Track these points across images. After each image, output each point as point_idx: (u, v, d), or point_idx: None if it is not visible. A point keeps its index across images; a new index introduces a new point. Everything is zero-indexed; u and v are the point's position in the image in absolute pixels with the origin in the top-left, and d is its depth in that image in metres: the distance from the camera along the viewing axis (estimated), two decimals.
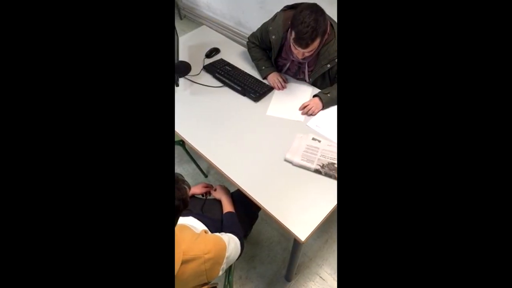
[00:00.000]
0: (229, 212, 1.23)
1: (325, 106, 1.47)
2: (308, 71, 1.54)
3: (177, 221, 0.84)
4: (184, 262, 0.82)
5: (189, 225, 1.05)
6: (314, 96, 1.49)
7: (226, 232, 1.08)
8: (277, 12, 1.51)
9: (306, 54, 1.38)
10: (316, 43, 1.31)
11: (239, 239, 1.08)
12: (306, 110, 1.46)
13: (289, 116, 1.46)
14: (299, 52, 1.37)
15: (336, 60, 1.43)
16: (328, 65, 1.45)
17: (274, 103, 1.51)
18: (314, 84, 1.58)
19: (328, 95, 1.47)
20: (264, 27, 1.57)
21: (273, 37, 1.51)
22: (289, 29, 1.36)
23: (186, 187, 0.84)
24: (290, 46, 1.43)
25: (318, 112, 1.47)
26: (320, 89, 1.56)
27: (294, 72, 1.60)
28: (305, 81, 1.60)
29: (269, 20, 1.55)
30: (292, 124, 1.42)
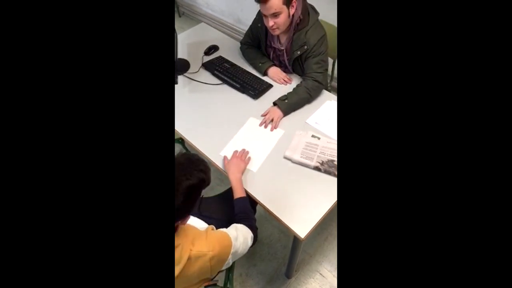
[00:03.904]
0: (241, 198, 1.14)
1: (285, 113, 1.42)
2: (287, 59, 1.56)
3: (200, 196, 0.84)
4: (189, 258, 0.82)
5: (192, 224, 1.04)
6: (274, 104, 1.44)
7: (239, 222, 1.04)
8: None
9: (273, 23, 1.34)
10: (276, 2, 1.28)
11: (252, 229, 1.05)
12: (267, 123, 1.39)
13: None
14: (267, 20, 1.36)
15: (305, 47, 1.44)
16: (298, 52, 1.46)
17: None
18: (297, 73, 1.62)
19: (286, 101, 1.42)
20: (253, 21, 1.60)
21: (259, 24, 1.53)
22: None
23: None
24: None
25: (279, 120, 1.40)
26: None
27: (278, 62, 1.63)
28: (290, 73, 1.63)
29: (256, 15, 1.58)
30: (292, 122, 1.42)
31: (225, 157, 1.26)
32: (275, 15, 1.33)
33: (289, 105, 1.43)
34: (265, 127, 1.40)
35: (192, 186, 0.77)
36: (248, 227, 1.04)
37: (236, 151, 1.27)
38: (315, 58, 1.46)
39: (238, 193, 1.14)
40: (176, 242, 0.81)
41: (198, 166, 0.81)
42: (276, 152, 1.30)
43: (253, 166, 1.25)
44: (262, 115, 1.43)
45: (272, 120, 1.40)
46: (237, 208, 1.12)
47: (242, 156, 1.25)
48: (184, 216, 0.82)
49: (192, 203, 0.82)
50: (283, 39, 1.51)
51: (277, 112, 1.41)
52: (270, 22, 1.35)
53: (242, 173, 1.20)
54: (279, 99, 1.44)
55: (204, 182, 0.82)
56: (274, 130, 1.38)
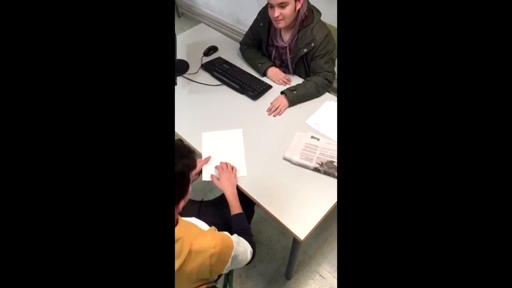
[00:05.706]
0: (238, 214, 1.13)
1: (290, 103, 1.46)
2: (290, 57, 1.55)
3: (188, 191, 0.89)
4: (190, 252, 0.82)
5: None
6: (282, 92, 1.48)
7: (240, 236, 1.04)
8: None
9: (279, 13, 1.35)
10: None
11: (251, 244, 1.04)
12: (273, 111, 1.44)
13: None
14: (273, 10, 1.36)
15: (312, 44, 1.44)
16: (305, 50, 1.46)
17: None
18: (298, 75, 1.61)
19: (294, 92, 1.46)
20: (254, 21, 1.60)
21: (261, 24, 1.54)
22: None
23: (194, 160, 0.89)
24: (275, 31, 1.46)
25: (284, 109, 1.45)
26: (303, 79, 1.57)
27: (280, 61, 1.62)
28: (290, 73, 1.62)
29: (257, 15, 1.59)
30: (291, 122, 1.42)
31: (212, 176, 1.22)
32: (282, 5, 1.33)
33: (296, 96, 1.46)
34: (270, 114, 1.44)
35: (176, 174, 0.80)
36: (248, 242, 1.04)
37: (219, 167, 1.23)
38: (324, 58, 1.47)
39: (235, 209, 1.13)
40: (177, 235, 0.81)
41: (181, 152, 0.84)
42: (275, 153, 1.30)
43: (241, 172, 1.25)
44: (269, 106, 1.48)
45: (277, 108, 1.45)
46: (235, 224, 1.11)
47: (229, 168, 1.22)
48: (176, 204, 0.84)
49: (181, 190, 0.85)
50: (286, 36, 1.51)
51: (284, 101, 1.45)
52: (276, 13, 1.35)
53: (236, 186, 1.18)
54: (288, 89, 1.47)
55: (189, 166, 0.85)
56: (233, 130, 1.38)
